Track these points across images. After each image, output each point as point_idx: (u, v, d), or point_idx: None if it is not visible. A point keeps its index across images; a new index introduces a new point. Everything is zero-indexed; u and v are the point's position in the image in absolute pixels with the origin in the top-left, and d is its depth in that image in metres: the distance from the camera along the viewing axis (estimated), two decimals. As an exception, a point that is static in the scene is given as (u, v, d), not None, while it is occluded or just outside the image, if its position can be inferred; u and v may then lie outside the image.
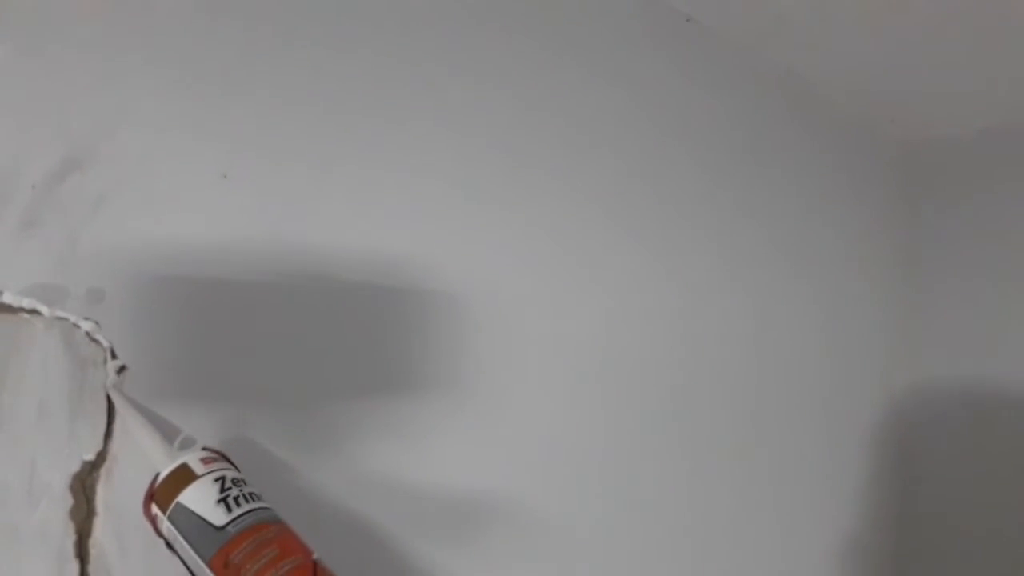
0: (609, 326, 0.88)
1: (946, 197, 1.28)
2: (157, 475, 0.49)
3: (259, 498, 0.49)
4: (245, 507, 0.48)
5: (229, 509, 0.47)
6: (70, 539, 0.53)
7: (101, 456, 0.55)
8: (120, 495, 0.54)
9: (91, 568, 0.53)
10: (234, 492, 0.48)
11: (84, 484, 0.54)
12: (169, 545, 0.48)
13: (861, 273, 1.25)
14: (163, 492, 0.48)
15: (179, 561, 0.47)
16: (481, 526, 0.74)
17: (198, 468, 0.49)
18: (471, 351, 0.75)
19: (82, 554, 0.53)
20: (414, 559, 0.69)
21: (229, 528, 0.46)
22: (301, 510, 0.62)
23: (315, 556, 0.47)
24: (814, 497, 1.10)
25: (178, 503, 0.47)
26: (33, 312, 0.55)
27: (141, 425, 0.51)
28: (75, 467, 0.54)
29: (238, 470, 0.52)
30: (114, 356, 0.56)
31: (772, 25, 1.00)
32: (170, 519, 0.47)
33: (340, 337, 0.67)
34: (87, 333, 0.56)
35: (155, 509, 0.48)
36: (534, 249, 0.82)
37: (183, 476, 0.48)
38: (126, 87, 0.58)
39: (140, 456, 0.53)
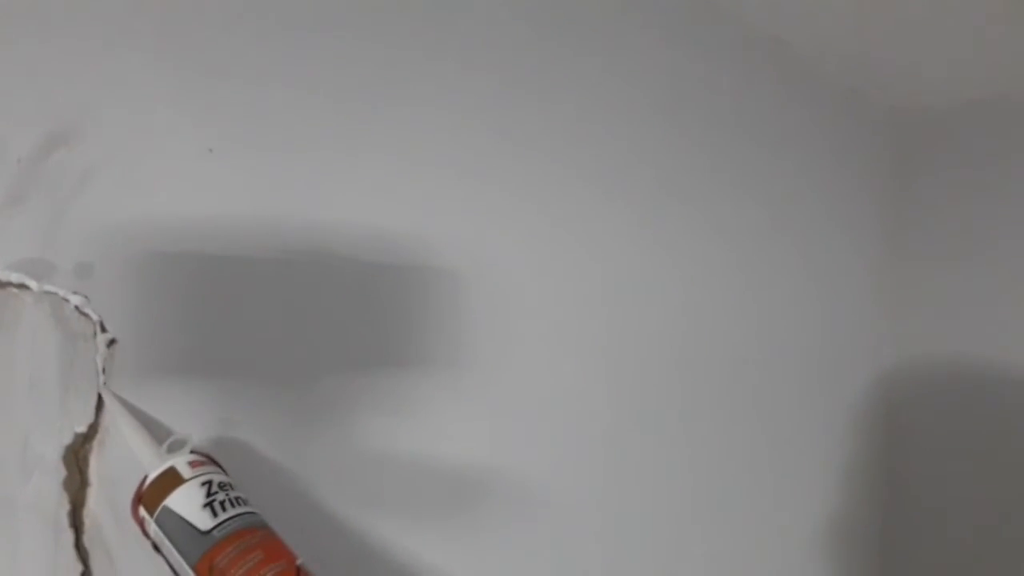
0: (605, 299, 0.87)
1: (937, 170, 1.22)
2: (145, 478, 0.50)
3: (245, 502, 0.51)
4: (231, 512, 0.49)
5: (215, 514, 0.48)
6: (64, 509, 0.54)
7: (93, 428, 0.56)
8: (113, 466, 0.55)
9: (86, 537, 0.55)
10: (220, 496, 0.49)
11: (77, 456, 0.55)
12: (156, 547, 0.49)
13: (850, 246, 1.22)
14: (150, 495, 0.49)
15: (165, 563, 0.49)
16: (480, 500, 0.76)
17: (185, 472, 0.49)
18: (469, 327, 0.75)
19: (76, 524, 0.55)
20: (412, 534, 0.70)
21: (214, 533, 0.48)
22: (296, 489, 0.64)
23: (299, 561, 0.49)
24: (801, 477, 1.12)
25: (165, 506, 0.48)
26: (21, 286, 0.54)
27: (131, 427, 0.52)
28: (67, 439, 0.55)
29: (226, 473, 0.53)
30: (104, 329, 0.56)
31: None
32: (157, 522, 0.48)
33: (334, 312, 0.66)
34: (76, 307, 0.55)
35: (143, 512, 0.49)
36: (530, 224, 0.80)
37: (170, 480, 0.49)
38: (111, 62, 0.55)
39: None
